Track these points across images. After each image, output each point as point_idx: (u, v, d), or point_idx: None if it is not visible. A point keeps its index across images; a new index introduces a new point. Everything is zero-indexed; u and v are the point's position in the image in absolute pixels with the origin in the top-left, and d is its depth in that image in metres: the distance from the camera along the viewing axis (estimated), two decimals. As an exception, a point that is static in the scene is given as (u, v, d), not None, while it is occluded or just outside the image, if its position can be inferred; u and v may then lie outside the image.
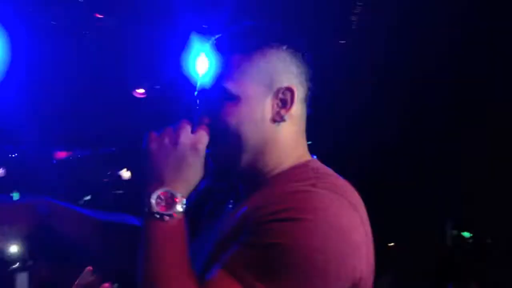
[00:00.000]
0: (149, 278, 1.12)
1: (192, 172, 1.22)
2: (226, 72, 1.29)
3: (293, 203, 1.11)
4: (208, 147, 1.26)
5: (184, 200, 1.18)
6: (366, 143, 5.86)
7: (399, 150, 6.03)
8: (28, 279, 3.94)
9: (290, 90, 1.29)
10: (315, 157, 1.37)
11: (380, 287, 5.51)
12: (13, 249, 5.31)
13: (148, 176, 1.21)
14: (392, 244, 7.58)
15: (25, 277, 3.98)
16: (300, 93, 1.31)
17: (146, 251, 1.14)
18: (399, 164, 6.20)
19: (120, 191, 6.46)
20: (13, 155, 9.26)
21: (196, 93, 1.36)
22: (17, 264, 5.09)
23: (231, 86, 1.27)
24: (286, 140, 1.30)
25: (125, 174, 8.12)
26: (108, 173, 7.10)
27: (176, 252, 1.14)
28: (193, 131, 1.25)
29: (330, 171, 1.30)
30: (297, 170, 1.27)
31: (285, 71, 1.30)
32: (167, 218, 1.15)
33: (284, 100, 1.29)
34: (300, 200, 1.12)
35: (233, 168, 1.29)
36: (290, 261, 1.07)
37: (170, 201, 1.16)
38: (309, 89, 1.35)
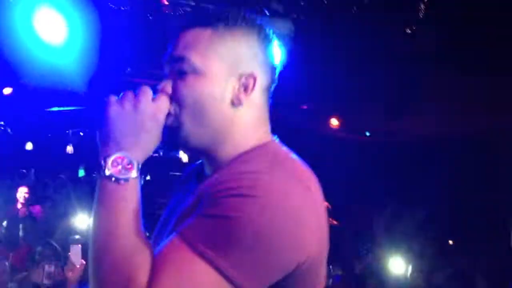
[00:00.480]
0: (101, 237, 1.13)
1: (150, 139, 1.22)
2: (194, 44, 1.27)
3: (247, 182, 1.12)
4: (166, 116, 1.25)
5: (139, 166, 1.19)
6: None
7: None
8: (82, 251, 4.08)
9: (252, 76, 1.29)
10: (276, 138, 1.36)
11: (437, 280, 5.39)
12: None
13: (105, 139, 1.20)
14: (451, 242, 7.43)
15: (78, 249, 4.11)
16: (263, 82, 1.30)
17: (99, 211, 1.15)
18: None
19: (178, 173, 6.59)
20: (81, 134, 9.74)
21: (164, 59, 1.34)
22: (77, 236, 5.29)
23: (197, 59, 1.26)
24: (244, 125, 1.29)
25: (184, 156, 8.27)
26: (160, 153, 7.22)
27: (129, 212, 1.14)
28: (153, 98, 1.24)
29: (289, 154, 1.29)
30: (255, 152, 1.26)
31: (251, 57, 1.29)
32: (122, 182, 1.15)
33: (245, 85, 1.28)
34: (253, 179, 1.13)
35: (186, 141, 1.28)
36: (239, 234, 1.08)
37: (126, 166, 1.16)
38: (273, 80, 1.34)
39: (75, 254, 4.03)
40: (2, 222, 5.95)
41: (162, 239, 1.22)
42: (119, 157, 1.17)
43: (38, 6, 4.98)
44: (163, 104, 1.24)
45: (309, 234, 1.15)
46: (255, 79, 1.28)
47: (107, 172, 1.15)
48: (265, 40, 1.33)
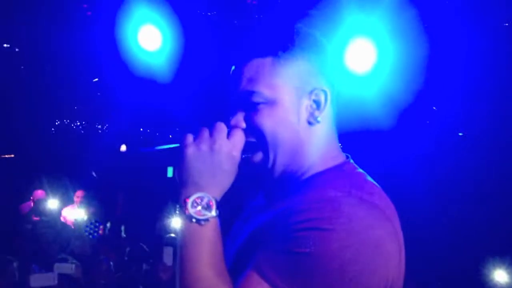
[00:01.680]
0: (187, 280, 1.15)
1: (226, 177, 1.23)
2: (259, 76, 1.27)
3: (327, 213, 1.09)
4: (243, 151, 1.26)
5: (218, 203, 1.21)
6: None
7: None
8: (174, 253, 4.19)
9: (323, 91, 1.28)
10: (349, 157, 1.34)
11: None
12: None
13: (184, 179, 1.22)
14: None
15: (171, 251, 4.23)
16: (332, 94, 1.31)
17: (184, 253, 1.17)
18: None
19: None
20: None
21: (228, 96, 1.35)
22: (172, 234, 5.45)
23: (266, 91, 1.25)
24: (320, 141, 1.29)
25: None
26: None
27: (212, 254, 1.16)
28: (228, 134, 1.25)
29: (364, 175, 1.26)
30: (331, 174, 1.25)
31: (316, 73, 1.29)
32: (202, 222, 1.18)
33: (317, 102, 1.28)
34: (334, 209, 1.10)
35: (268, 171, 1.28)
36: (321, 270, 1.06)
37: (206, 206, 1.19)
38: (336, 90, 1.33)
39: (168, 255, 4.15)
40: (107, 223, 6.28)
41: (231, 251, 1.25)
42: (198, 198, 1.19)
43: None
44: (238, 141, 1.25)
45: (390, 267, 1.13)
46: (326, 94, 1.29)
47: (188, 213, 1.18)
48: (323, 52, 1.33)
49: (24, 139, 8.77)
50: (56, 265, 3.81)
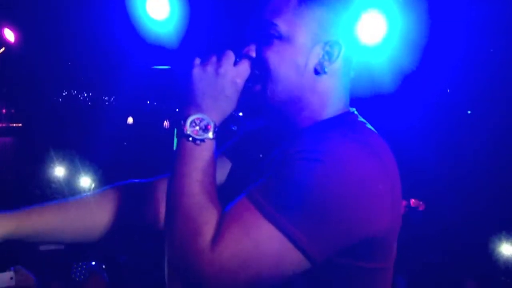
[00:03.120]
0: (176, 192, 1.18)
1: (228, 103, 1.25)
2: (282, 10, 1.27)
3: (320, 147, 1.12)
4: (247, 81, 1.26)
5: (216, 128, 1.21)
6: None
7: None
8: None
9: (338, 45, 1.27)
10: (355, 110, 1.34)
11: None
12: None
13: (186, 99, 1.24)
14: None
15: None
16: (347, 52, 1.29)
17: (176, 168, 1.20)
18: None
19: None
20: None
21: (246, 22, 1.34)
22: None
23: (284, 26, 1.26)
24: (325, 92, 1.29)
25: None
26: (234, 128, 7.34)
27: (204, 172, 1.18)
28: (236, 62, 1.26)
29: (366, 125, 1.27)
30: (331, 122, 1.27)
31: (337, 25, 1.28)
32: (198, 142, 1.19)
33: (330, 53, 1.27)
34: (327, 145, 1.13)
35: (267, 106, 1.29)
36: (306, 197, 1.08)
37: (204, 127, 1.21)
38: (354, 49, 1.33)
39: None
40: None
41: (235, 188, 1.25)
42: (198, 118, 1.21)
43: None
44: (244, 70, 1.26)
45: (380, 208, 1.14)
46: (340, 48, 1.28)
47: (186, 132, 1.20)
48: (353, 10, 1.32)
49: (32, 109, 8.84)
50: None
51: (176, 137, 1.23)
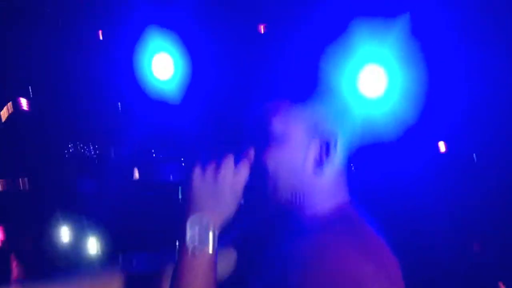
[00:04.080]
0: None
1: (229, 209, 1.30)
2: (275, 110, 1.33)
3: (322, 263, 1.15)
4: (247, 184, 1.32)
5: (217, 234, 1.26)
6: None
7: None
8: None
9: (334, 135, 1.33)
10: (354, 200, 1.37)
11: None
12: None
13: (187, 209, 1.28)
14: None
15: None
16: (345, 139, 1.36)
17: (176, 283, 1.22)
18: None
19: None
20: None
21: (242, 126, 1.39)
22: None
23: (278, 125, 1.32)
24: (325, 186, 1.34)
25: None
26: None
27: (203, 284, 1.21)
28: (236, 165, 1.30)
29: (364, 222, 1.31)
30: (332, 218, 1.31)
31: (331, 118, 1.35)
32: (198, 253, 1.23)
33: (327, 146, 1.32)
34: (329, 261, 1.16)
35: (267, 206, 1.34)
36: None
37: (206, 237, 1.25)
38: (350, 137, 1.37)
39: None
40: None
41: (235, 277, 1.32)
42: (199, 229, 1.24)
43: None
44: (243, 174, 1.31)
45: None
46: (336, 139, 1.33)
47: (186, 244, 1.24)
48: (340, 99, 1.37)
49: (39, 160, 8.90)
50: None
51: (177, 248, 1.25)
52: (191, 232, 1.23)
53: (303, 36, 5.45)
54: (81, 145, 9.92)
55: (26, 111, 8.54)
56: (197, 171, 1.30)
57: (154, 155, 9.95)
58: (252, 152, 1.35)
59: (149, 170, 9.95)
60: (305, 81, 1.38)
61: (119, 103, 8.07)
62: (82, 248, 6.32)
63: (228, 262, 1.52)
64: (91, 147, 10.02)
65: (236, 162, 1.33)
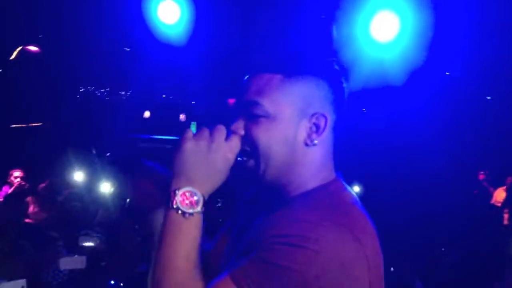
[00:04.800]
0: (160, 266, 1.20)
1: (218, 177, 1.28)
2: (266, 89, 1.31)
3: (302, 231, 1.15)
4: (238, 155, 1.30)
5: (205, 201, 1.25)
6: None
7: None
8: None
9: (324, 116, 1.31)
10: (339, 176, 1.37)
11: None
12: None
13: (177, 171, 1.26)
14: None
15: None
16: (331, 120, 1.34)
17: (162, 240, 1.21)
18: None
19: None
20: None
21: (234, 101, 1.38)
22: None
23: (269, 105, 1.29)
24: (313, 162, 1.33)
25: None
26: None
27: (190, 247, 1.20)
28: (227, 137, 1.30)
29: (347, 196, 1.31)
30: (316, 194, 1.30)
31: (321, 98, 1.32)
32: (187, 215, 1.22)
33: (317, 125, 1.31)
34: (308, 229, 1.16)
35: (256, 180, 1.33)
36: (288, 282, 1.12)
37: (193, 201, 1.23)
38: (339, 116, 1.36)
39: None
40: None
41: (230, 260, 1.29)
42: (188, 191, 1.23)
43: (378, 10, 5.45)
44: (235, 145, 1.29)
45: (359, 287, 1.18)
46: (326, 119, 1.32)
47: (175, 205, 1.22)
48: (334, 81, 1.35)
49: (51, 107, 9.03)
50: (81, 238, 3.98)
51: (165, 208, 1.25)
52: (181, 195, 1.23)
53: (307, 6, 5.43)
54: (92, 88, 10.06)
55: (38, 55, 8.64)
56: (190, 137, 1.28)
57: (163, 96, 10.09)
58: (241, 125, 1.33)
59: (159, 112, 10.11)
60: (301, 55, 1.36)
61: (127, 49, 8.10)
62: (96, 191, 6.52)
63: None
64: (102, 90, 10.15)
65: (228, 133, 1.31)
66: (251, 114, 1.32)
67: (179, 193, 1.23)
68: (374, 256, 1.23)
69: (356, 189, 7.78)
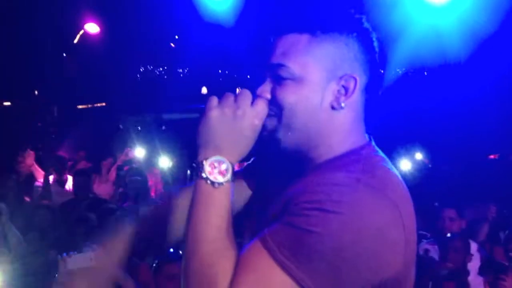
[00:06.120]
0: (192, 237, 1.18)
1: (246, 144, 1.25)
2: (292, 51, 1.26)
3: (334, 196, 1.12)
4: (265, 120, 1.26)
5: (234, 169, 1.22)
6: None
7: None
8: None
9: (353, 78, 1.26)
10: (371, 140, 1.33)
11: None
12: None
13: (204, 141, 1.23)
14: None
15: None
16: (363, 82, 1.28)
17: (193, 214, 1.20)
18: None
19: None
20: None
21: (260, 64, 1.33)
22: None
23: (296, 67, 1.25)
24: (341, 127, 1.29)
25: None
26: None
27: (222, 217, 1.18)
28: (252, 102, 1.25)
29: (380, 160, 1.27)
30: (347, 158, 1.26)
31: (350, 58, 1.27)
32: (216, 185, 1.19)
33: (346, 88, 1.26)
34: (341, 193, 1.13)
35: (283, 146, 1.29)
36: (321, 249, 1.09)
37: (222, 170, 1.20)
38: (370, 78, 1.30)
39: None
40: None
41: (260, 227, 1.23)
42: (216, 161, 1.20)
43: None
44: (261, 110, 1.25)
45: (393, 253, 1.15)
46: (356, 81, 1.26)
47: (204, 175, 1.19)
48: (365, 40, 1.29)
49: (113, 87, 9.43)
50: (142, 208, 4.15)
51: (195, 179, 1.23)
52: (209, 165, 1.20)
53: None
54: (151, 67, 10.42)
55: (99, 38, 9.03)
56: (215, 105, 1.24)
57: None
58: (267, 88, 1.28)
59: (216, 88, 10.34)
60: (328, 12, 1.30)
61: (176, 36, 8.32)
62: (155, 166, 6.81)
63: (241, 195, 1.51)
64: (161, 69, 10.49)
65: (254, 98, 1.26)
66: (277, 77, 1.27)
67: (207, 163, 1.20)
68: (409, 218, 1.20)
69: (418, 156, 7.74)
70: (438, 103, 7.99)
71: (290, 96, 1.25)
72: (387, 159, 1.29)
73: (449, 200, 4.69)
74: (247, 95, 1.25)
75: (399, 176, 1.26)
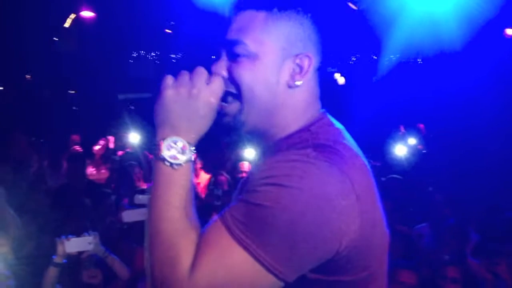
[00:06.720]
0: (154, 218, 1.19)
1: (203, 123, 1.24)
2: (249, 28, 1.26)
3: (284, 171, 1.15)
4: (221, 100, 1.25)
5: (193, 149, 1.22)
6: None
7: None
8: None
9: (308, 57, 1.27)
10: (325, 114, 1.34)
11: None
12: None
13: (160, 121, 1.23)
14: None
15: None
16: (316, 61, 1.30)
17: (155, 195, 1.20)
18: None
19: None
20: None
21: (214, 41, 1.32)
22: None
23: (251, 44, 1.25)
24: (297, 104, 1.30)
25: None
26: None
27: (182, 197, 1.19)
28: (208, 80, 1.23)
29: (331, 133, 1.28)
30: (299, 134, 1.28)
31: (305, 38, 1.28)
32: (175, 166, 1.19)
33: (301, 66, 1.27)
34: (292, 168, 1.15)
35: (247, 128, 1.30)
36: (273, 222, 1.11)
37: (180, 150, 1.20)
38: (323, 57, 1.31)
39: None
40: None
41: None
42: (173, 141, 1.20)
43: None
44: (217, 88, 1.24)
45: (345, 222, 1.15)
46: (310, 59, 1.27)
47: (161, 155, 1.19)
48: (320, 20, 1.31)
49: (104, 73, 9.39)
50: (137, 196, 4.12)
51: (153, 159, 1.23)
52: (166, 146, 1.20)
53: None
54: (143, 52, 10.36)
55: (91, 22, 8.95)
56: (170, 84, 1.23)
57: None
58: (223, 65, 1.26)
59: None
60: None
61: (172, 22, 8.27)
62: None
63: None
64: (153, 54, 10.44)
65: (209, 76, 1.24)
66: (233, 54, 1.26)
67: (164, 143, 1.20)
68: (364, 188, 1.21)
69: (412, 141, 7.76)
70: (434, 91, 8.00)
71: (246, 74, 1.25)
72: (341, 130, 1.31)
73: (443, 185, 4.72)
74: (202, 73, 1.22)
75: (355, 148, 1.27)
